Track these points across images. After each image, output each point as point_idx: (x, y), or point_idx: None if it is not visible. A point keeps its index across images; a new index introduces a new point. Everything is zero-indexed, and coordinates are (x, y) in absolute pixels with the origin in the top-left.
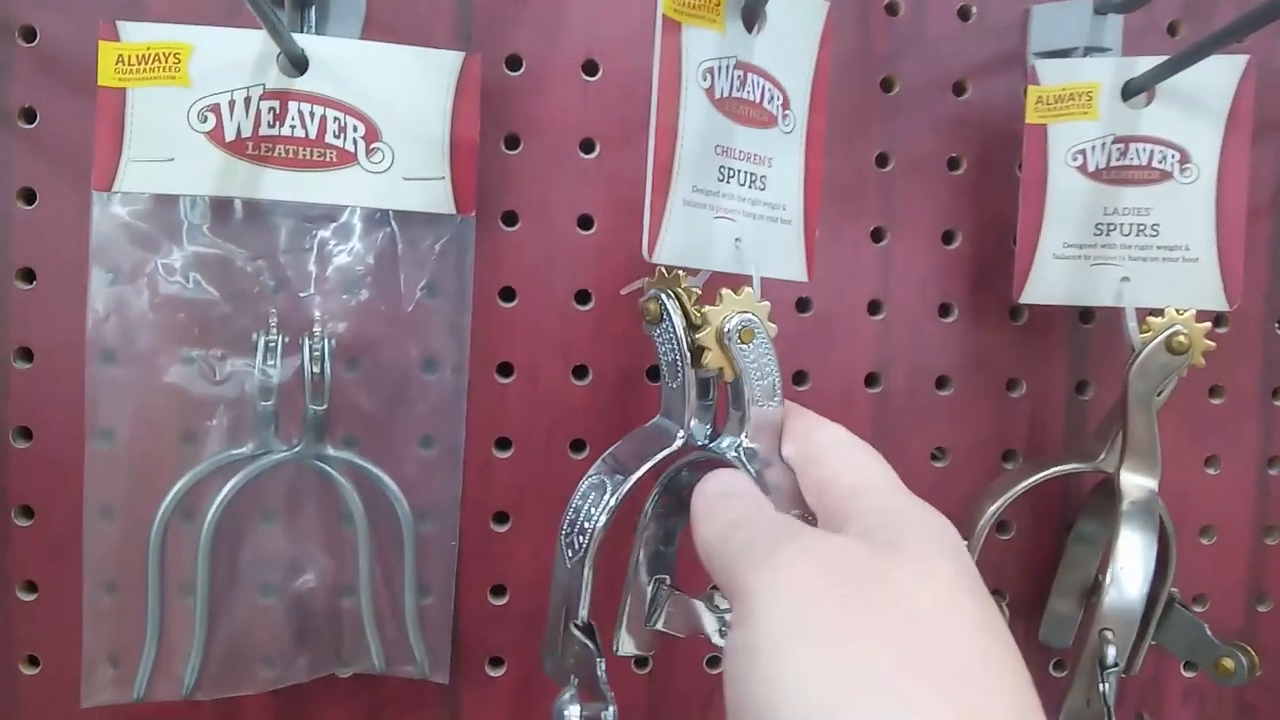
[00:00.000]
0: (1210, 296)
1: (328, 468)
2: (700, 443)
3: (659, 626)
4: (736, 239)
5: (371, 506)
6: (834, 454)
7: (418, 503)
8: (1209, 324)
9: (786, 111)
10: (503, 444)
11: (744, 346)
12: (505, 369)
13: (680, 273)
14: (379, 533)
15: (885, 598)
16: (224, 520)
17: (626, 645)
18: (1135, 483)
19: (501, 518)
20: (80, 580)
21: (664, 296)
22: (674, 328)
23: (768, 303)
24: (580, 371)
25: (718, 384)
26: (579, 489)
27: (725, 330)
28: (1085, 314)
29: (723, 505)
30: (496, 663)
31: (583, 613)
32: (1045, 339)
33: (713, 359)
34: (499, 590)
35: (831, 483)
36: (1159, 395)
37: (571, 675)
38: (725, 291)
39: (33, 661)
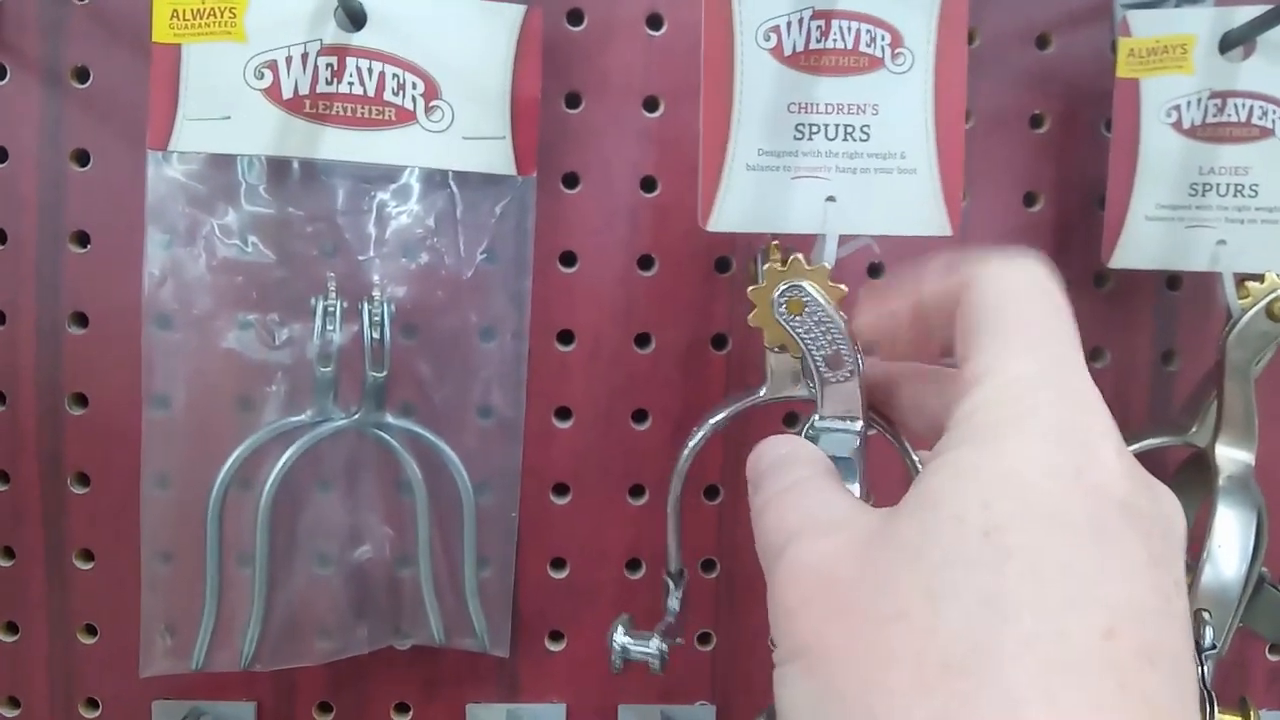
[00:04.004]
0: None
1: (387, 436)
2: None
3: None
4: (829, 197)
5: (430, 476)
6: (978, 329)
7: (477, 473)
8: None
9: (898, 50)
10: (563, 414)
11: (797, 318)
12: (566, 337)
13: (775, 246)
14: (438, 503)
15: (869, 609)
16: (282, 489)
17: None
18: (1231, 456)
19: (561, 489)
20: (137, 549)
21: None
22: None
23: (826, 267)
24: (643, 339)
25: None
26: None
27: (772, 303)
28: (1172, 280)
29: (770, 474)
30: (556, 637)
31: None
32: (1130, 306)
33: (770, 335)
34: (559, 563)
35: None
36: (1257, 364)
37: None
38: (769, 266)
39: (90, 631)
